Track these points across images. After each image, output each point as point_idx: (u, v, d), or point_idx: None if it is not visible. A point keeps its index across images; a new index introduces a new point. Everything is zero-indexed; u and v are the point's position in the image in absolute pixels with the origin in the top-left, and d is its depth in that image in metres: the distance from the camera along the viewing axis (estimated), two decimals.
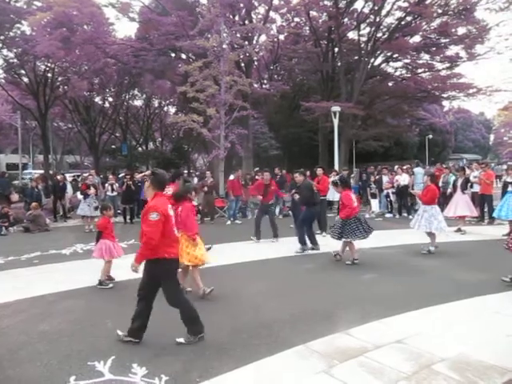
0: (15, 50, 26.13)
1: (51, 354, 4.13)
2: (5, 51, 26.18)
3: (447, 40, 25.19)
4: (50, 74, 28.58)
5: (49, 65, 27.57)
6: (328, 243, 8.82)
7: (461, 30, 24.59)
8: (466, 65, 53.84)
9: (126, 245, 9.71)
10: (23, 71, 28.17)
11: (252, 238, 10.21)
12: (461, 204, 11.47)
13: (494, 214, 10.83)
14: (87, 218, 12.74)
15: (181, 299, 4.42)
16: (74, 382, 3.59)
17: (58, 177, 15.84)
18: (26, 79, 28.89)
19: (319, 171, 11.67)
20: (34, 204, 13.42)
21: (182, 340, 4.32)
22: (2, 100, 35.60)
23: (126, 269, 7.23)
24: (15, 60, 26.87)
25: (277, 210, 15.34)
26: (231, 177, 14.91)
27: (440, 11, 23.75)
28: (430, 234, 8.64)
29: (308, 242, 8.90)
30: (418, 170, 16.18)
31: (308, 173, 12.98)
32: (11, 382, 3.63)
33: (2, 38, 24.74)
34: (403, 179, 14.63)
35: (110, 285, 6.46)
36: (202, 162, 47.76)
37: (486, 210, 12.68)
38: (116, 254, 6.63)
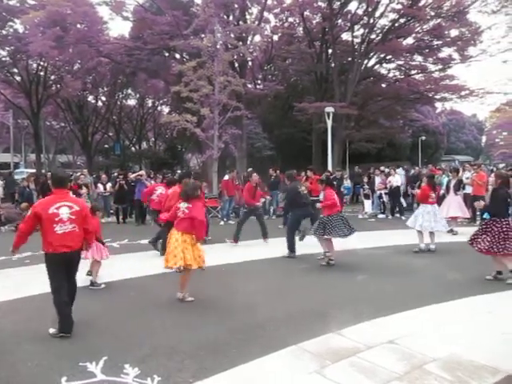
0: (8, 49, 25.95)
1: (42, 355, 4.10)
2: None
3: (440, 42, 25.38)
4: (42, 73, 28.44)
5: (41, 63, 27.42)
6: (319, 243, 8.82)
7: (454, 32, 24.84)
8: (459, 67, 54.18)
9: (119, 245, 9.69)
10: (16, 70, 27.99)
11: (227, 240, 9.99)
12: (453, 205, 11.54)
13: (485, 215, 10.92)
14: None
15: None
16: (65, 382, 3.56)
17: (48, 175, 15.76)
18: (18, 78, 28.71)
19: (309, 173, 11.68)
20: (23, 205, 13.28)
21: (52, 330, 4.57)
22: None
23: (118, 269, 7.25)
24: (7, 58, 26.68)
25: (271, 210, 15.42)
26: (226, 177, 14.89)
27: (433, 13, 23.94)
28: (431, 233, 8.90)
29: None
30: (399, 171, 16.95)
31: (303, 173, 13.03)
32: (2, 382, 3.60)
33: None
34: (396, 180, 14.72)
35: (102, 285, 6.42)
36: (196, 162, 47.71)
37: (477, 211, 12.76)
38: (106, 254, 6.52)
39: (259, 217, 10.29)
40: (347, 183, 17.41)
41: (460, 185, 12.08)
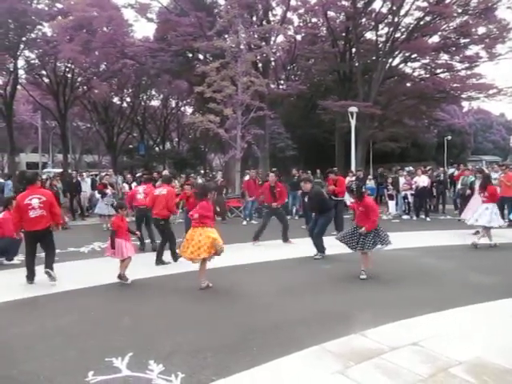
0: (36, 51, 26.63)
1: (69, 350, 4.20)
2: (26, 52, 26.72)
3: (467, 40, 24.85)
4: (69, 75, 29.06)
5: (69, 66, 28.03)
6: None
7: (481, 30, 24.28)
8: (487, 65, 53.01)
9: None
10: (44, 72, 28.68)
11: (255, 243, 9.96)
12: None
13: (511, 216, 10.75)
14: (105, 216, 12.89)
15: None
16: (92, 377, 3.64)
17: (73, 173, 16.15)
18: (46, 80, 29.42)
19: (331, 176, 11.56)
20: None
21: None
22: (23, 100, 36.36)
23: (142, 267, 7.36)
24: (36, 61, 27.38)
25: (293, 211, 15.39)
26: (246, 177, 14.93)
27: (460, 11, 23.47)
28: (487, 230, 9.27)
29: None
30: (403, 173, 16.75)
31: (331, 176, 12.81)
32: (29, 375, 3.70)
33: (23, 39, 25.24)
34: (422, 180, 14.47)
35: (129, 281, 6.50)
36: (219, 162, 47.96)
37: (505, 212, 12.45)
38: (127, 253, 6.56)
39: (280, 217, 10.28)
40: (370, 184, 17.27)
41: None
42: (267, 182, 10.75)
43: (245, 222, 13.93)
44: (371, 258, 7.04)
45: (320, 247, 8.54)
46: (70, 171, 19.40)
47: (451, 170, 19.58)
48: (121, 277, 6.52)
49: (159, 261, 7.95)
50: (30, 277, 6.65)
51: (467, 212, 11.32)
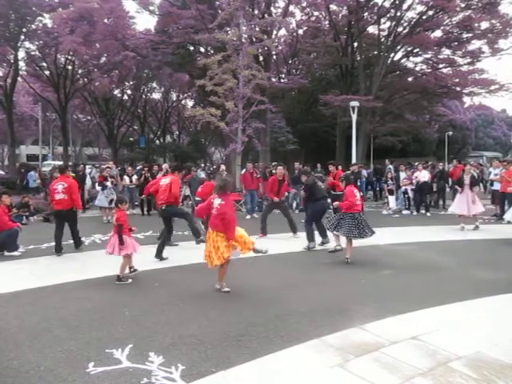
0: (37, 43, 26.51)
1: (70, 341, 4.21)
2: (27, 44, 26.60)
3: (470, 35, 24.69)
4: (70, 67, 28.96)
5: (69, 58, 27.93)
6: (344, 239, 8.76)
7: (484, 25, 24.10)
8: (489, 60, 52.81)
9: (143, 236, 9.85)
10: (44, 64, 28.56)
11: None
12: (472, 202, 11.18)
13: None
14: (105, 209, 12.91)
15: None
16: (92, 368, 3.65)
17: (81, 166, 16.18)
18: (47, 72, 29.30)
19: (331, 168, 11.55)
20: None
21: None
22: (23, 92, 36.29)
23: (142, 260, 7.37)
24: (37, 52, 27.26)
25: (294, 205, 15.39)
26: (243, 171, 14.89)
27: (463, 5, 23.30)
28: None
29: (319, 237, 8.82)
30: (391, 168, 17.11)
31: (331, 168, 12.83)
32: (31, 366, 3.71)
33: (24, 30, 25.12)
34: (423, 176, 14.46)
35: (129, 280, 6.37)
36: (219, 155, 47.95)
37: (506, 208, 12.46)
38: (131, 249, 6.47)
39: (284, 211, 10.29)
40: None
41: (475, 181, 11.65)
42: (273, 177, 10.64)
43: (248, 217, 13.83)
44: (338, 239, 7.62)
45: (309, 236, 8.63)
46: (73, 163, 19.53)
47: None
48: (120, 278, 6.32)
49: (159, 256, 7.71)
50: (57, 249, 8.12)
51: (462, 208, 11.15)
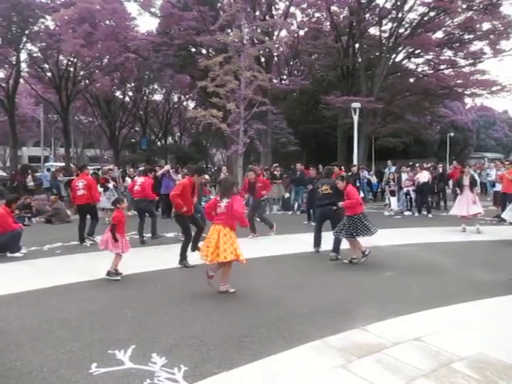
0: (39, 45, 26.58)
1: (72, 342, 4.21)
2: (29, 45, 26.69)
3: (471, 36, 24.76)
4: (72, 69, 29.03)
5: (71, 59, 28.00)
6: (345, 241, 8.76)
7: (486, 26, 24.15)
8: (491, 61, 52.72)
9: (145, 237, 9.83)
10: (46, 65, 28.64)
11: (270, 234, 10.27)
12: (471, 203, 11.13)
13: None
14: (107, 210, 12.92)
15: None
16: (95, 369, 3.66)
17: (72, 167, 16.41)
18: (48, 73, 29.38)
19: (335, 169, 11.50)
20: (52, 197, 13.71)
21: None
22: (25, 93, 36.36)
23: (144, 261, 7.39)
24: (39, 54, 27.33)
25: (295, 206, 15.39)
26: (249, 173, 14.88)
27: (464, 6, 23.35)
28: None
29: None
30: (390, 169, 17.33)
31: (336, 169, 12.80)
32: (34, 367, 3.72)
33: (26, 32, 25.20)
34: (423, 176, 14.44)
35: (118, 277, 6.43)
36: (220, 157, 47.96)
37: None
38: (122, 248, 6.52)
39: (260, 212, 10.82)
40: (371, 178, 17.34)
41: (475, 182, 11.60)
42: (245, 180, 11.49)
43: None
44: (357, 247, 7.53)
45: (314, 240, 8.58)
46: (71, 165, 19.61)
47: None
48: (109, 273, 6.40)
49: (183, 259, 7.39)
50: (80, 239, 9.26)
51: (462, 209, 11.11)
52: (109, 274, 6.46)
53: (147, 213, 9.84)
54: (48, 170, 21.08)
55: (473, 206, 10.92)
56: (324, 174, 9.12)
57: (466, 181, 11.08)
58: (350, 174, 13.94)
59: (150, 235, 10.15)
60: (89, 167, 17.00)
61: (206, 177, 10.18)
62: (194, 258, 6.99)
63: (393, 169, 16.73)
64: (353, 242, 7.57)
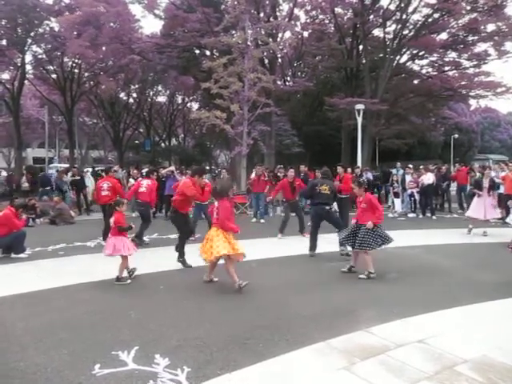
0: (44, 47, 26.70)
1: (76, 343, 4.23)
2: (34, 47, 26.79)
3: (476, 37, 24.65)
4: (76, 70, 29.13)
5: (76, 61, 28.10)
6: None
7: (490, 27, 24.05)
8: (495, 63, 52.52)
9: (149, 239, 9.87)
10: (51, 67, 28.75)
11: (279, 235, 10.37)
12: (489, 207, 11.04)
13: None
14: None
15: None
16: (98, 370, 3.66)
17: (74, 169, 16.62)
18: (53, 75, 29.49)
19: (339, 169, 11.46)
20: (56, 198, 13.76)
21: None
22: (30, 95, 36.51)
23: (148, 262, 7.40)
24: (44, 56, 27.45)
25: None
26: (252, 174, 14.87)
27: (469, 8, 23.26)
28: None
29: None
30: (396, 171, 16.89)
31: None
32: (38, 368, 3.73)
33: (31, 34, 25.31)
34: (428, 178, 14.41)
35: (128, 281, 6.42)
36: (224, 158, 48.00)
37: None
38: (127, 250, 6.50)
39: (299, 212, 10.84)
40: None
41: (494, 184, 11.54)
42: (284, 180, 11.31)
43: (254, 219, 13.80)
44: (370, 258, 6.79)
45: (310, 242, 8.64)
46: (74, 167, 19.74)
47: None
48: (119, 279, 6.37)
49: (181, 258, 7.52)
50: (104, 237, 8.97)
51: (479, 212, 11.02)
52: (118, 279, 6.36)
53: (143, 216, 9.67)
54: (57, 171, 21.68)
55: (491, 210, 10.84)
56: (321, 174, 9.06)
57: (486, 183, 11.03)
58: (354, 175, 13.86)
59: (152, 237, 10.19)
60: (89, 168, 17.36)
61: (206, 180, 10.08)
62: (194, 258, 6.99)
63: (401, 171, 16.33)
64: (367, 255, 6.80)
